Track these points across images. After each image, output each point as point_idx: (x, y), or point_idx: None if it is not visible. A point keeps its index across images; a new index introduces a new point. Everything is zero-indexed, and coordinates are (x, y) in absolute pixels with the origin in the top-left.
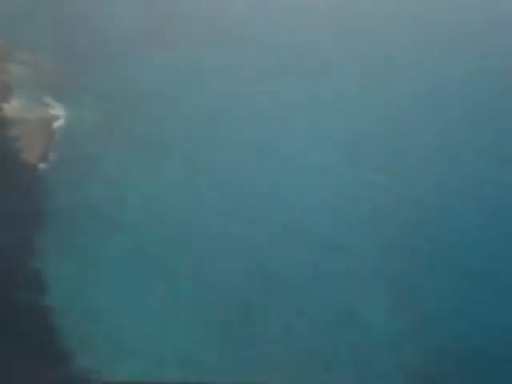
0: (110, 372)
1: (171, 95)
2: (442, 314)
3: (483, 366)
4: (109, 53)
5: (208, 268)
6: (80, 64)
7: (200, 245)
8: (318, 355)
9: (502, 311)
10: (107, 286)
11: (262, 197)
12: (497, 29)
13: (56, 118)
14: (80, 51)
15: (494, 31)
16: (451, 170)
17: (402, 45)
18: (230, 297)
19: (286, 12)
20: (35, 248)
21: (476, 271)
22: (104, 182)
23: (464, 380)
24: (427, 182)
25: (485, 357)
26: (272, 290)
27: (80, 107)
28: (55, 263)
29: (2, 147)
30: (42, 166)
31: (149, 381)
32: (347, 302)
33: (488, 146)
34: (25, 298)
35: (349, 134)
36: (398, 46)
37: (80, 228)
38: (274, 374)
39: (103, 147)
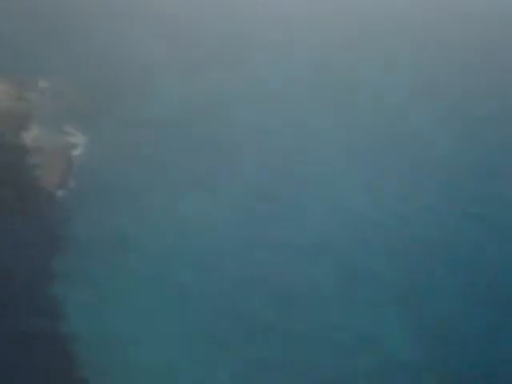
0: None
1: (190, 123)
2: (458, 338)
3: None
4: (128, 80)
5: (228, 293)
6: (99, 92)
7: (220, 271)
8: (337, 381)
9: None
10: (125, 312)
11: (281, 222)
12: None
13: (75, 145)
14: (99, 79)
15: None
16: (463, 194)
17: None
18: (249, 323)
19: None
20: (53, 275)
21: (496, 297)
22: (123, 209)
23: None
24: (440, 207)
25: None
26: (291, 314)
27: (99, 135)
28: (73, 290)
29: (22, 175)
30: (60, 193)
31: None
32: (367, 326)
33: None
34: (42, 324)
35: (363, 162)
36: (406, 71)
37: (99, 255)
38: None
39: (122, 175)
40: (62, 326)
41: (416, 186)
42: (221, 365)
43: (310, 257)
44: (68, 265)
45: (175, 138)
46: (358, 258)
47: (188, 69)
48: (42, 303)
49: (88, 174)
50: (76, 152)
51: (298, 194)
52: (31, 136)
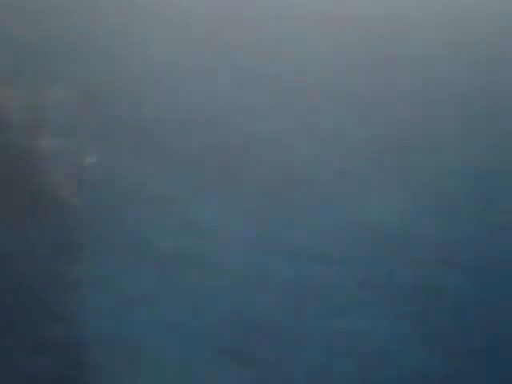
0: None
1: (209, 126)
2: (474, 348)
3: None
4: (143, 88)
5: (244, 301)
6: (113, 99)
7: (233, 277)
8: None
9: None
10: (138, 319)
11: (294, 229)
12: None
13: (89, 154)
14: (113, 86)
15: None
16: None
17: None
18: (259, 329)
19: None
20: (68, 281)
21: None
22: (138, 216)
23: None
24: (460, 216)
25: None
26: (303, 322)
27: (113, 142)
28: (88, 297)
29: (36, 181)
30: (74, 200)
31: None
32: (374, 334)
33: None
34: (57, 331)
35: (378, 170)
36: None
37: (113, 262)
38: None
39: (136, 182)
40: (77, 333)
41: (435, 195)
42: (234, 371)
43: (322, 265)
44: (83, 271)
45: (190, 144)
46: (372, 266)
47: (203, 73)
48: (57, 309)
49: (102, 181)
50: (89, 160)
51: (310, 201)
52: (45, 143)
